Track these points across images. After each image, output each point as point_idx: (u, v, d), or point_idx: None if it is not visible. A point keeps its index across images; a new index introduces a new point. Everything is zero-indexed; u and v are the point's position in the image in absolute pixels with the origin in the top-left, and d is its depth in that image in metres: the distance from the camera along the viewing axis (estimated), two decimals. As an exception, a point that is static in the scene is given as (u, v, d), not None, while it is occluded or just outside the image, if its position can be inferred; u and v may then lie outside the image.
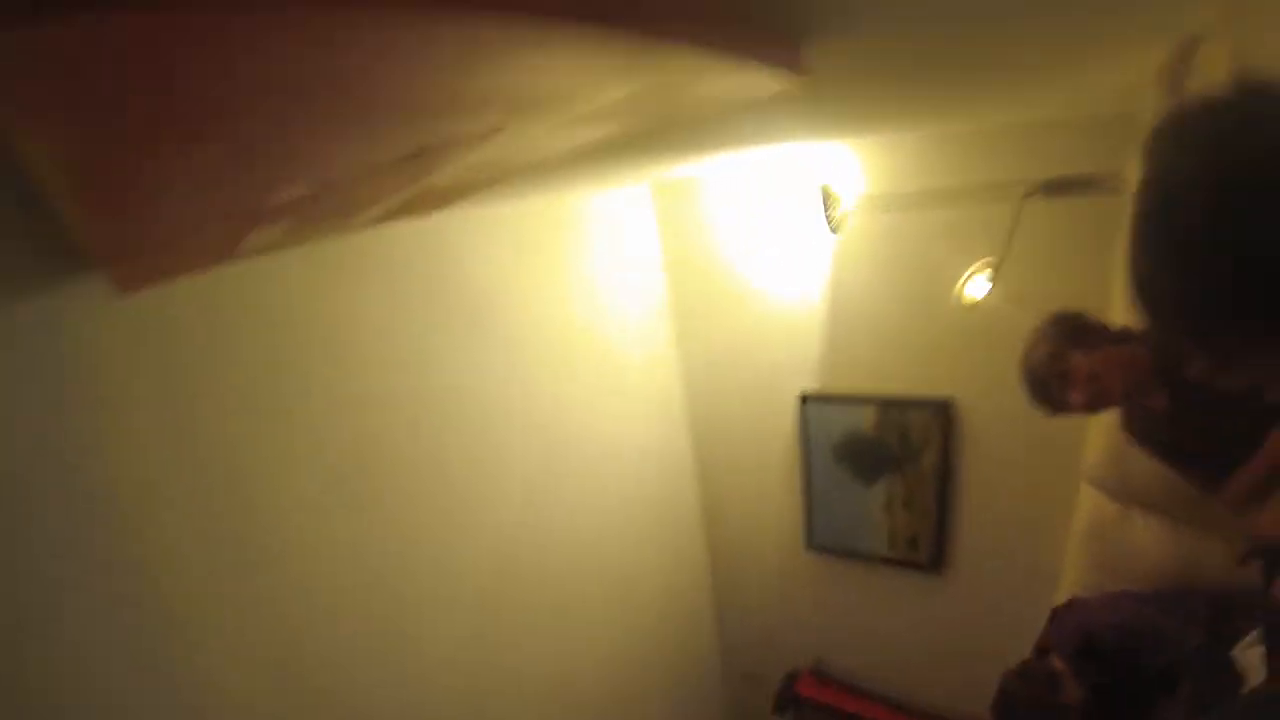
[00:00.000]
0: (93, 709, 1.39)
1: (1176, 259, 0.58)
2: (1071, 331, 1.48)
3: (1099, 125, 1.83)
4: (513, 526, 2.41)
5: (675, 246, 3.04)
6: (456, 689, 2.22)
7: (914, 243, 2.42)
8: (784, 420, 2.99)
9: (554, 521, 2.59)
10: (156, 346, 1.48)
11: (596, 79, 0.61)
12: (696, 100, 0.88)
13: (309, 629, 1.80)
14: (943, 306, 2.25)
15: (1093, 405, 1.47)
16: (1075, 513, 1.87)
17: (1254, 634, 1.38)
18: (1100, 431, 1.77)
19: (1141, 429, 1.54)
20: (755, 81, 0.78)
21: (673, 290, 3.11)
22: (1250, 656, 1.34)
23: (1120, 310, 1.58)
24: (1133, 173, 1.41)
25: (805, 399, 2.90)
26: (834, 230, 2.46)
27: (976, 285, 2.12)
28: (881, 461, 2.80)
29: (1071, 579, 1.84)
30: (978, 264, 2.11)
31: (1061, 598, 1.86)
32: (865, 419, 2.77)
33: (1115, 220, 1.69)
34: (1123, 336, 1.46)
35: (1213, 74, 0.79)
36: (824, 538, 3.09)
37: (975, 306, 2.14)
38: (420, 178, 0.78)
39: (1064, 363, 1.45)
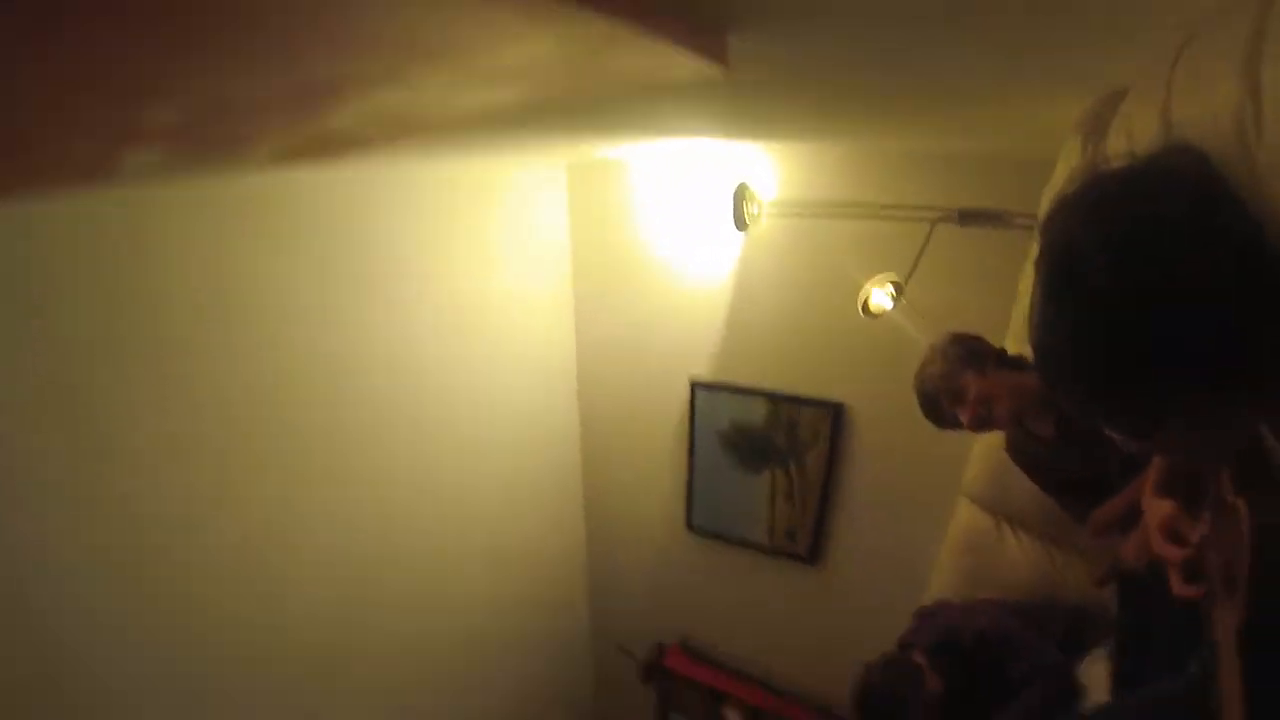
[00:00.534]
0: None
1: (1067, 330, 0.57)
2: (967, 353, 1.52)
3: (1019, 164, 1.90)
4: (394, 487, 2.41)
5: (584, 227, 2.99)
6: (320, 643, 2.23)
7: (823, 250, 2.45)
8: (674, 404, 3.03)
9: (437, 485, 2.59)
10: (21, 279, 1.40)
11: (496, 33, 0.57)
12: (610, 75, 0.86)
13: (197, 578, 1.82)
14: (844, 314, 2.29)
15: (980, 426, 1.53)
16: (951, 524, 1.99)
17: (1099, 650, 1.52)
18: (983, 450, 1.87)
19: (1024, 454, 1.62)
20: (672, 64, 0.76)
21: (577, 269, 3.08)
22: (1095, 671, 1.48)
23: (1016, 339, 1.65)
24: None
25: (695, 385, 2.94)
26: (745, 227, 2.45)
27: (879, 297, 2.17)
28: (767, 453, 2.88)
29: (940, 585, 1.95)
30: (881, 277, 2.16)
31: (928, 601, 1.97)
32: (756, 411, 2.84)
33: (1021, 254, 1.78)
34: (1016, 363, 1.52)
35: (1136, 131, 0.80)
36: (703, 521, 3.16)
37: (876, 318, 2.20)
38: (311, 118, 0.70)
39: (956, 382, 1.50)
